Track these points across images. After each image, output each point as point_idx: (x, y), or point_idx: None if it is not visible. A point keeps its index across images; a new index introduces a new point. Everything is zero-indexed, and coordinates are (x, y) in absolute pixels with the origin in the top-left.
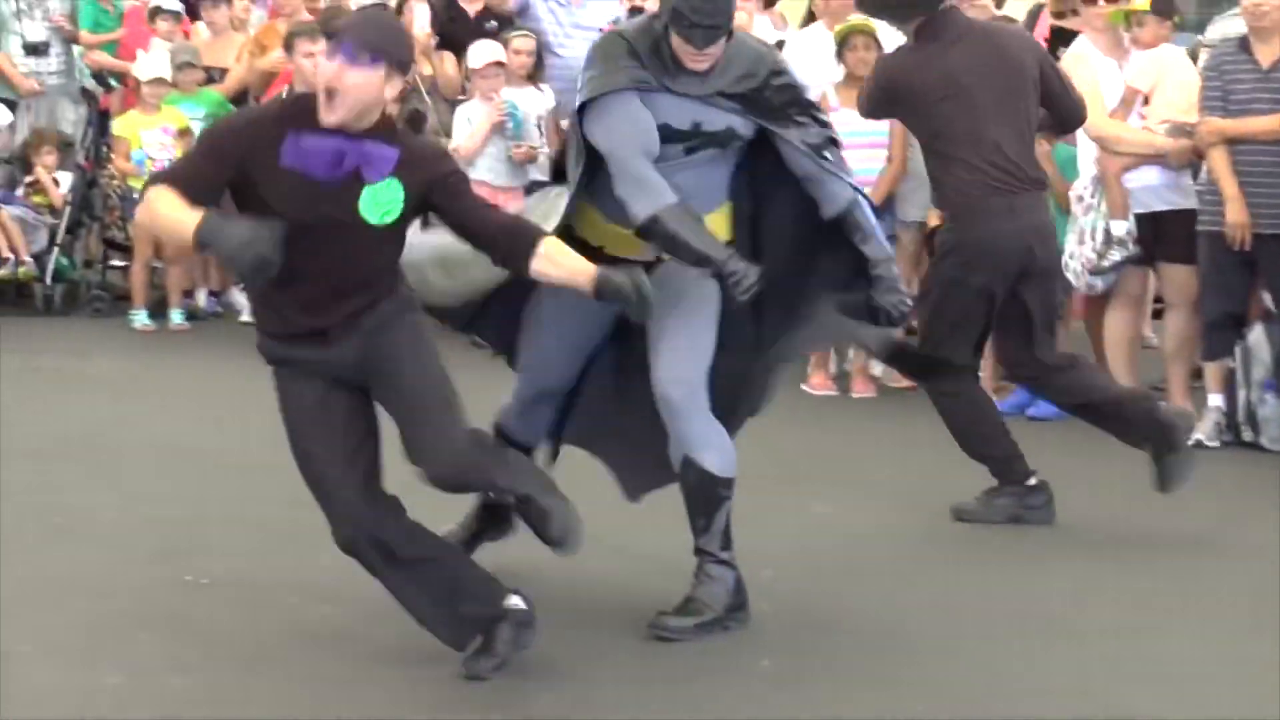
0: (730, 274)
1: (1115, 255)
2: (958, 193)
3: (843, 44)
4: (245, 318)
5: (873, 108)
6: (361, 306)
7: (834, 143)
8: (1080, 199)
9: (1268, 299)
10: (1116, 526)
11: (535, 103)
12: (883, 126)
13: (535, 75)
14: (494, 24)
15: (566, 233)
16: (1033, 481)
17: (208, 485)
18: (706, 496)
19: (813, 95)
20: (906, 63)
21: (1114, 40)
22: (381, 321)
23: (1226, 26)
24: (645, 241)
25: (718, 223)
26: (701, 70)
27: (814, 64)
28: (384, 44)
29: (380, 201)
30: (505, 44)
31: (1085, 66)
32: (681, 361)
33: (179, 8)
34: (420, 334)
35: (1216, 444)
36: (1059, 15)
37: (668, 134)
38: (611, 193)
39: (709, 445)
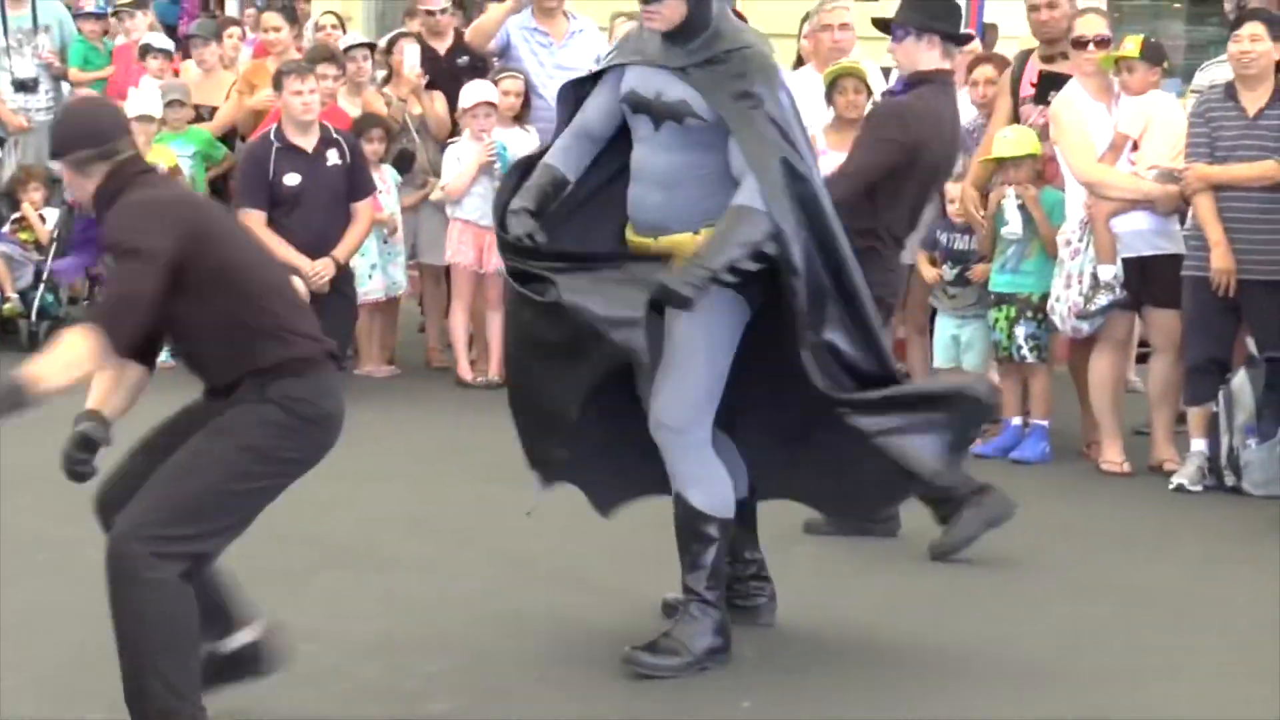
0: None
1: (1102, 299)
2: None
3: (832, 87)
4: None
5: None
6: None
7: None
8: (1068, 243)
9: (1251, 344)
10: (1100, 571)
11: (523, 143)
12: None
13: (522, 116)
14: (466, 59)
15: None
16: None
17: None
18: (692, 532)
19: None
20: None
21: (1104, 85)
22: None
23: (1214, 73)
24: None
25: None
26: (657, 29)
27: (803, 107)
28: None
29: None
30: (494, 84)
31: (1074, 110)
32: (669, 401)
33: (170, 46)
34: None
35: (1199, 489)
36: (1048, 59)
37: (635, 101)
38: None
39: (698, 482)
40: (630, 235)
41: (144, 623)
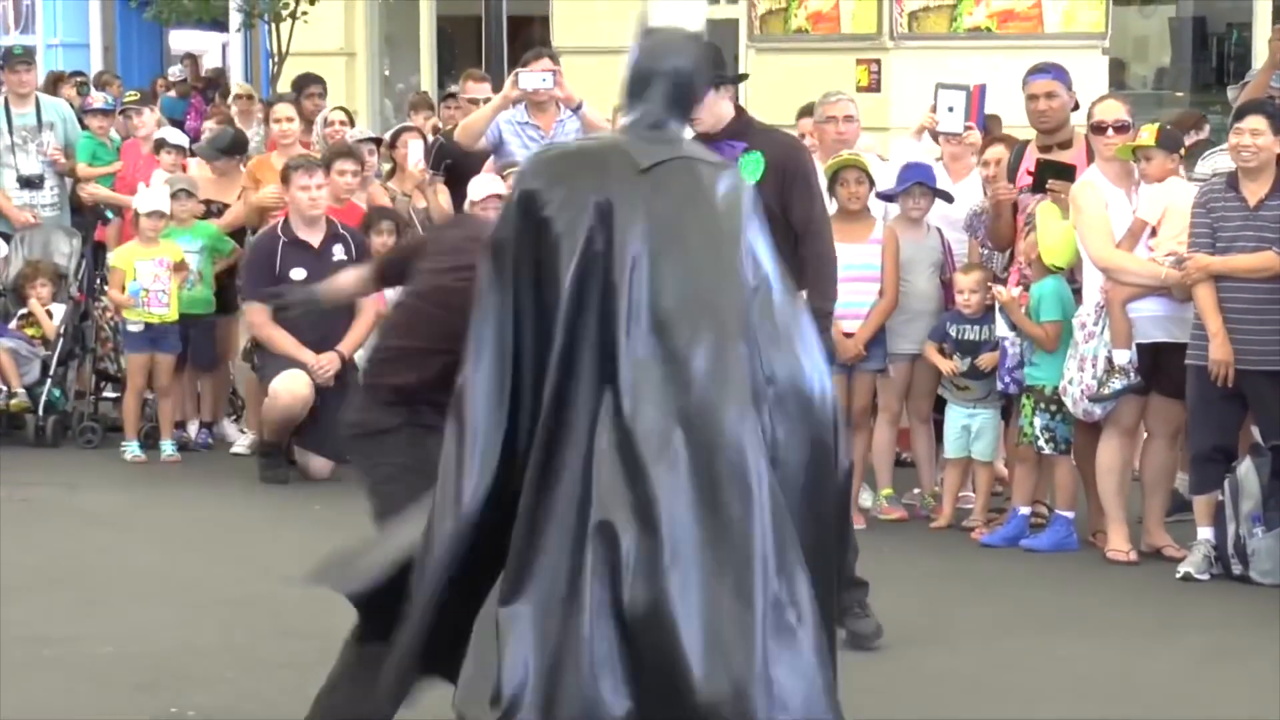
0: None
1: (1117, 384)
2: None
3: (834, 179)
4: (237, 449)
5: None
6: None
7: None
8: (1083, 325)
9: (1256, 432)
10: (1107, 661)
11: None
12: (875, 259)
13: None
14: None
15: None
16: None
17: (197, 617)
18: None
19: None
20: None
21: (1124, 171)
22: None
23: (1216, 161)
24: None
25: None
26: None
27: None
28: None
29: None
30: (503, 178)
31: (1094, 194)
32: None
33: (184, 141)
34: None
35: (1206, 577)
36: (1045, 149)
37: None
38: None
39: None
40: None
41: None
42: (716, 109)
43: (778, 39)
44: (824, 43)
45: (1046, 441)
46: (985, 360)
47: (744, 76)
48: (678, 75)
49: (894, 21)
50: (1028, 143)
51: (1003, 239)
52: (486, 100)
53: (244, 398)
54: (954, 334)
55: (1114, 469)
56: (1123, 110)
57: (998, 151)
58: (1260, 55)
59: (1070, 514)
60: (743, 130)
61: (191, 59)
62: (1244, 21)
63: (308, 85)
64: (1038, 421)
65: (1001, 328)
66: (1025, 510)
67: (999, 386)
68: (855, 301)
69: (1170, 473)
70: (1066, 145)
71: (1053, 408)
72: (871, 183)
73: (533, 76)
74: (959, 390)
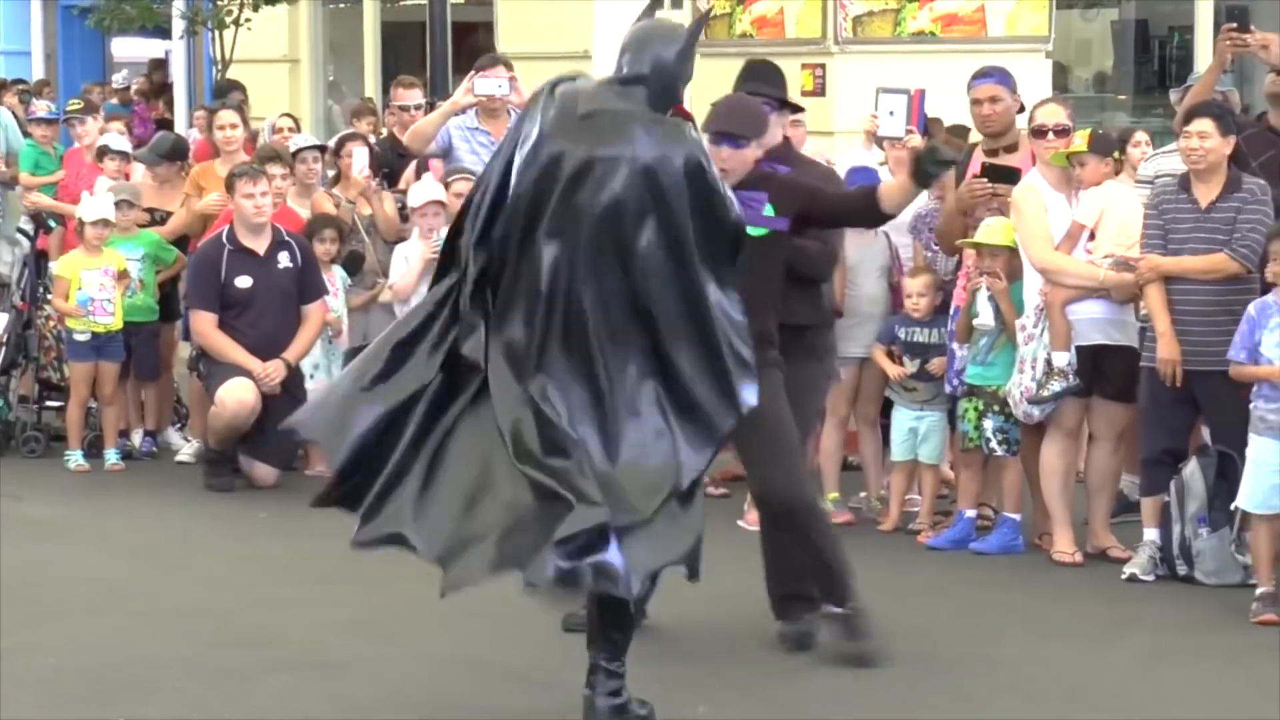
0: None
1: (1055, 386)
2: None
3: None
4: (181, 457)
5: None
6: None
7: None
8: (1023, 328)
9: (1205, 433)
10: (1055, 663)
11: None
12: None
13: None
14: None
15: None
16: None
17: (143, 626)
18: None
19: None
20: None
21: (1064, 174)
22: None
23: (1160, 163)
24: None
25: None
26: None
27: None
28: None
29: None
30: (446, 186)
31: (1034, 198)
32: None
33: (127, 147)
34: None
35: (1151, 578)
36: (991, 153)
37: None
38: None
39: None
40: None
41: None
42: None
43: (722, 44)
44: (768, 47)
45: (1000, 443)
46: (935, 365)
47: (800, 109)
48: (660, 61)
49: (838, 26)
50: (975, 146)
51: (952, 242)
52: (417, 107)
53: (188, 405)
54: (903, 336)
55: (1057, 471)
56: (1063, 113)
57: None
58: (1202, 58)
59: (1017, 516)
60: (758, 181)
61: (161, 65)
62: (1186, 25)
63: (230, 92)
64: (989, 423)
65: (985, 316)
66: (971, 513)
67: (947, 389)
68: None
69: (1115, 475)
70: (1013, 149)
71: (1006, 409)
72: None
73: (489, 82)
74: (906, 392)
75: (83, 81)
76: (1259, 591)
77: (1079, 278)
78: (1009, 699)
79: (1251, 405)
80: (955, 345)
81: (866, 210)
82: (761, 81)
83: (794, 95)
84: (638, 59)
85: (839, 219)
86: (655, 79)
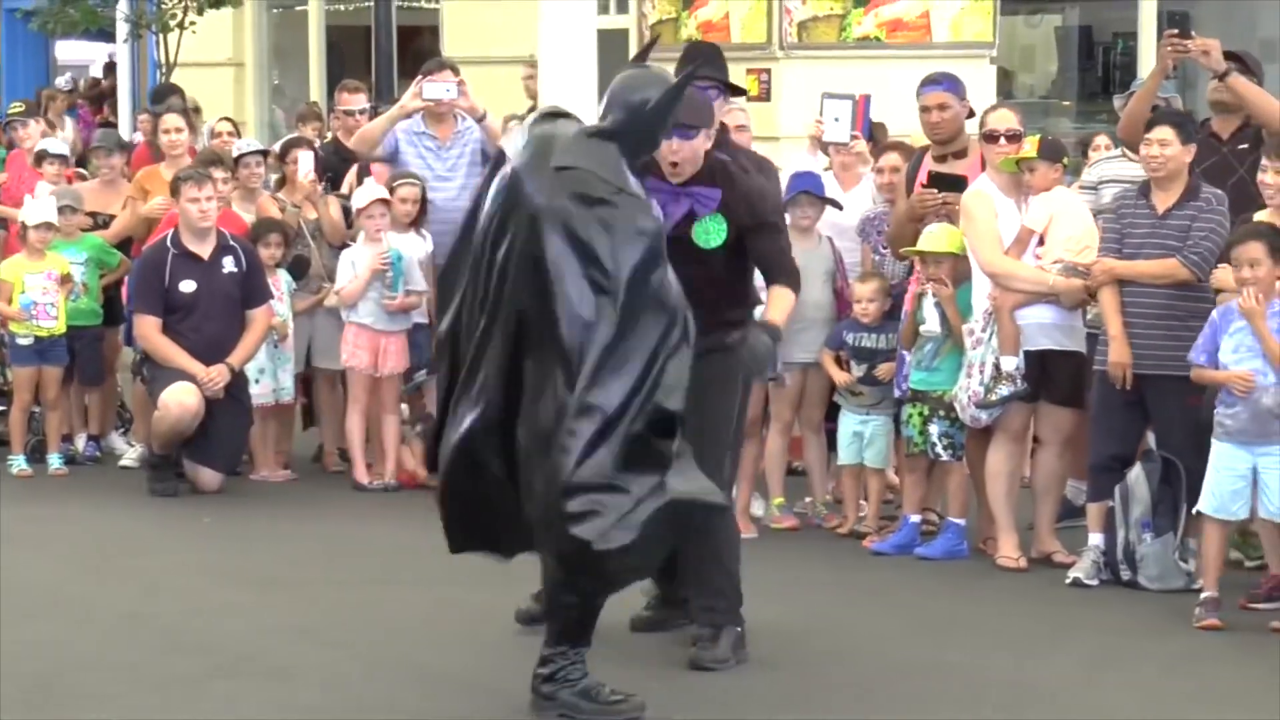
0: None
1: (1003, 390)
2: None
3: None
4: (125, 462)
5: None
6: None
7: None
8: (971, 333)
9: (1151, 438)
10: (999, 667)
11: (418, 249)
12: None
13: (419, 221)
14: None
15: None
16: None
17: (86, 633)
18: None
19: None
20: None
21: (1014, 180)
22: None
23: (1103, 169)
24: None
25: None
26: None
27: None
28: None
29: None
30: (392, 190)
31: (984, 204)
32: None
33: (65, 151)
34: None
35: (1095, 583)
36: (940, 159)
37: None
38: None
39: None
40: None
41: None
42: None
43: (669, 49)
44: None
45: (945, 448)
46: (883, 371)
47: (743, 91)
48: (636, 113)
49: (783, 31)
50: (925, 151)
51: (904, 247)
52: (361, 111)
53: (132, 410)
54: (851, 342)
55: (1002, 475)
56: (1014, 119)
57: (893, 159)
58: (1145, 64)
59: (962, 521)
60: (713, 175)
61: (113, 69)
62: (1129, 31)
63: (167, 96)
64: (934, 428)
65: (932, 322)
66: (916, 518)
67: (896, 393)
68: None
69: (1060, 480)
70: (962, 155)
71: (952, 414)
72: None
73: (437, 87)
74: (853, 396)
75: (25, 85)
76: (1203, 596)
77: (1029, 283)
78: (954, 704)
79: (1215, 410)
80: (904, 350)
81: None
82: (706, 63)
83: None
84: (615, 108)
85: (756, 262)
86: (630, 131)
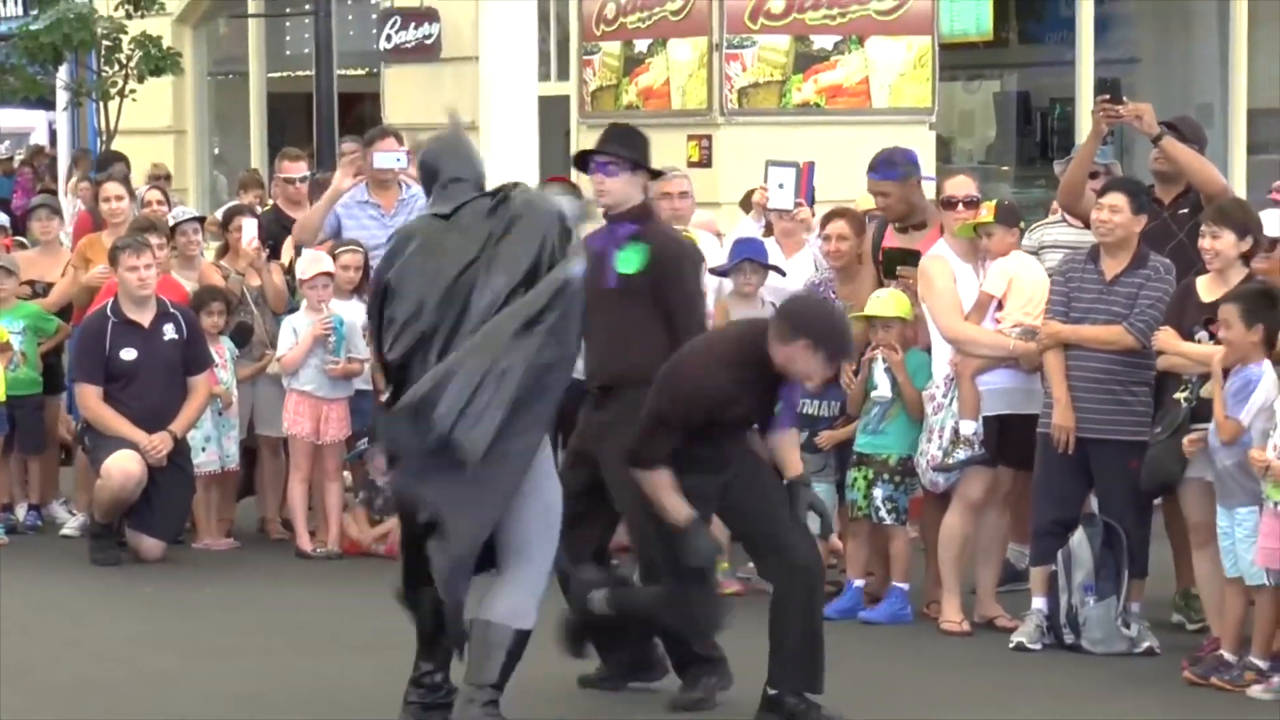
0: None
1: (961, 454)
2: None
3: None
4: (66, 531)
5: None
6: None
7: None
8: (932, 398)
9: (1094, 502)
10: None
11: (360, 315)
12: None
13: (360, 288)
14: None
15: None
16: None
17: (28, 704)
18: None
19: None
20: None
21: (971, 246)
22: None
23: (1042, 234)
24: None
25: None
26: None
27: None
28: None
29: None
30: (335, 258)
31: (943, 268)
32: None
33: (3, 220)
34: None
35: (1038, 646)
36: (901, 231)
37: None
38: None
39: None
40: None
41: None
42: (629, 189)
43: (609, 115)
44: (655, 118)
45: (889, 512)
46: (824, 438)
47: (660, 174)
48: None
49: (724, 97)
50: (887, 225)
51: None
52: (302, 179)
53: (74, 479)
54: None
55: (955, 540)
56: (972, 186)
57: (839, 226)
58: (1083, 129)
59: (905, 586)
60: (640, 218)
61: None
62: (1067, 96)
63: (112, 164)
64: (879, 492)
65: (883, 388)
66: (859, 582)
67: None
68: None
69: (1002, 541)
70: (921, 226)
71: (897, 478)
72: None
73: (387, 156)
74: None
75: None
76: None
77: (989, 347)
78: None
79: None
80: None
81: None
82: (618, 143)
83: (681, 166)
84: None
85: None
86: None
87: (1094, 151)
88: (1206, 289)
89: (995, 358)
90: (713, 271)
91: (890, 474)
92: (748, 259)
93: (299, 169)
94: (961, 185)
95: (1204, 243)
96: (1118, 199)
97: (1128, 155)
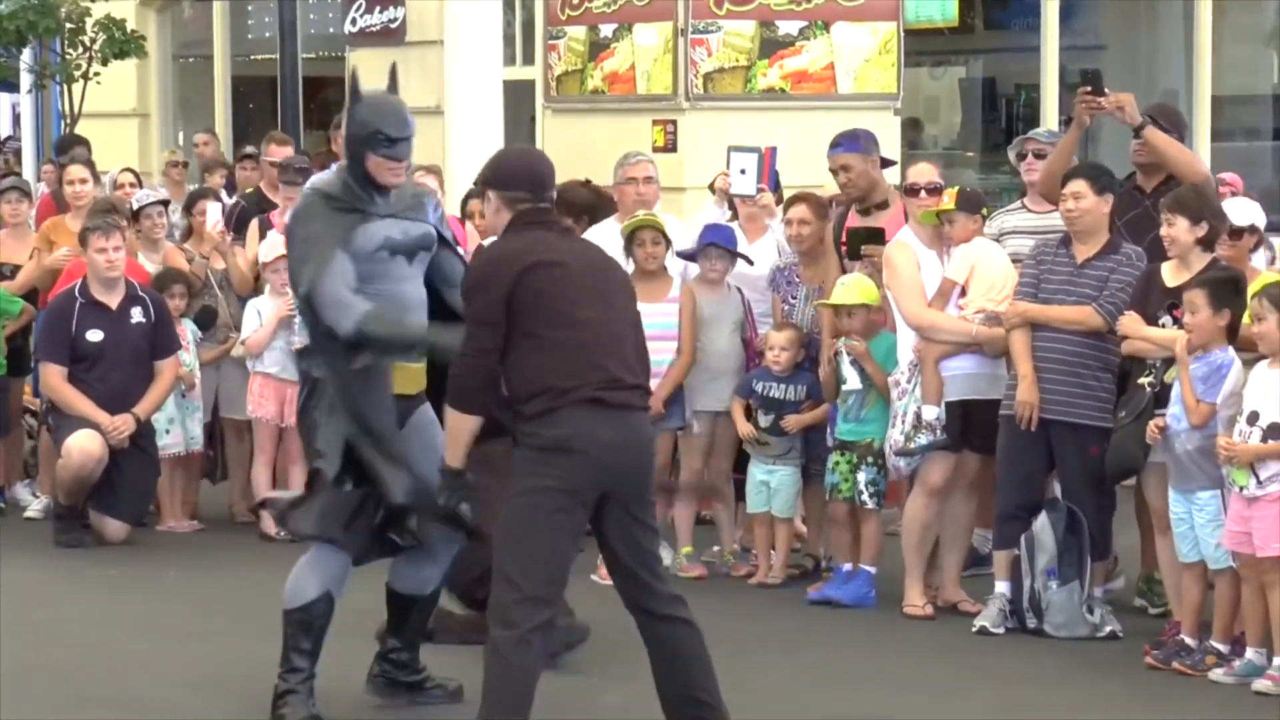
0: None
1: (922, 439)
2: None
3: (630, 239)
4: (30, 513)
5: None
6: None
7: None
8: (896, 383)
9: (1056, 486)
10: (906, 716)
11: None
12: (673, 319)
13: None
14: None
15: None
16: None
17: None
18: None
19: None
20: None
21: (935, 233)
22: None
23: (1003, 220)
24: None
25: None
26: (397, 183)
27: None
28: None
29: None
30: None
31: (907, 255)
32: None
33: None
34: None
35: (1001, 631)
36: (864, 213)
37: (394, 247)
38: (375, 298)
39: None
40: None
41: None
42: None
43: (574, 100)
44: (620, 103)
45: (871, 496)
46: (790, 422)
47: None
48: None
49: (689, 83)
50: (850, 206)
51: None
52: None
53: (38, 460)
54: (760, 390)
55: (915, 525)
56: (934, 173)
57: (800, 211)
58: (1048, 115)
59: (873, 569)
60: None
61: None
62: (1032, 83)
63: (73, 147)
64: (863, 475)
65: (852, 381)
66: (849, 566)
67: (830, 442)
68: (654, 360)
69: (967, 527)
70: (884, 206)
71: (880, 460)
72: (668, 242)
73: None
74: (760, 446)
75: None
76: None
77: (952, 333)
78: None
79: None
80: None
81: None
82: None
83: (646, 151)
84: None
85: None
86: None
87: (1075, 143)
88: (1170, 275)
89: (958, 343)
90: (680, 255)
91: (875, 457)
92: (713, 244)
93: (286, 153)
94: (924, 173)
95: (1162, 230)
96: (1078, 185)
97: (1093, 143)
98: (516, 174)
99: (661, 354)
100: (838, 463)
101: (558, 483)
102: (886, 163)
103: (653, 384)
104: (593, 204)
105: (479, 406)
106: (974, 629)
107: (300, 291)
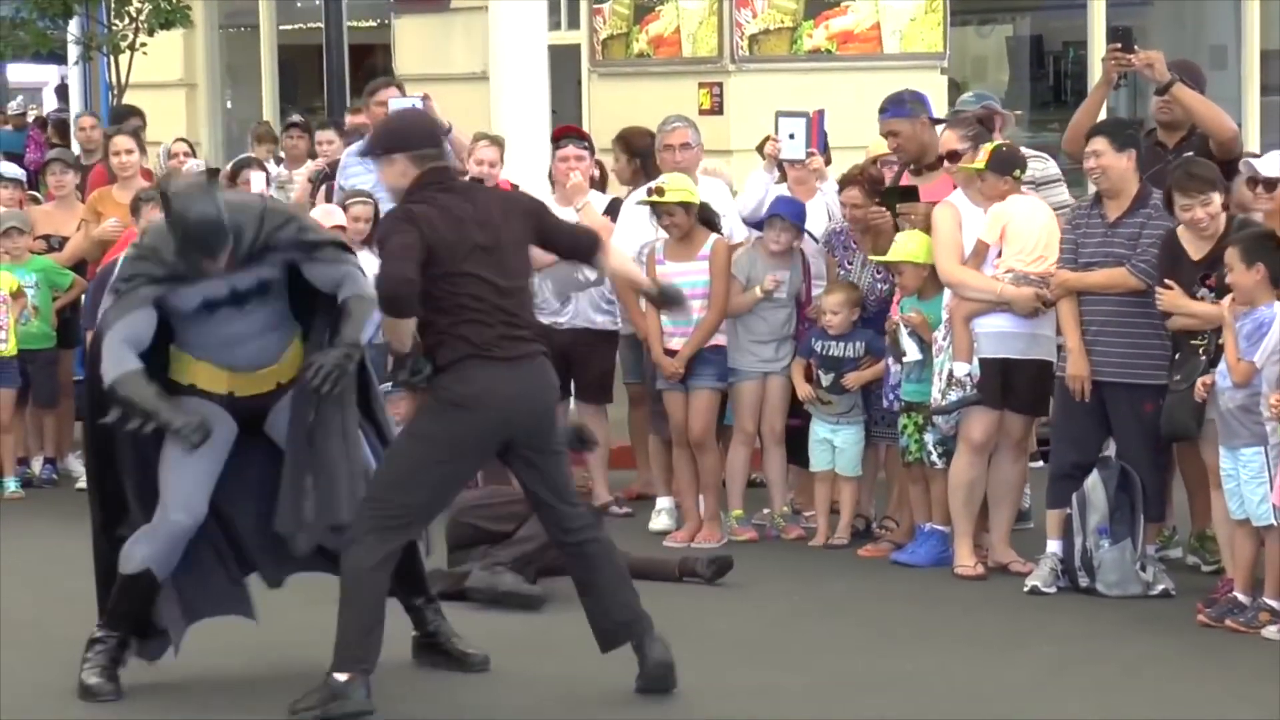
0: (174, 429)
1: (953, 395)
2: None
3: (654, 207)
4: (81, 484)
5: None
6: None
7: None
8: (935, 341)
9: (1111, 444)
10: (958, 676)
11: (372, 265)
12: (703, 275)
13: (371, 239)
14: None
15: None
16: None
17: (42, 657)
18: None
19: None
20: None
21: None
22: None
23: (1033, 167)
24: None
25: (295, 350)
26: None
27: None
28: None
29: None
30: (345, 209)
31: (949, 214)
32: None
33: (20, 175)
34: None
35: (1053, 590)
36: (915, 174)
37: (213, 304)
38: (196, 337)
39: None
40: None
41: None
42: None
43: (619, 64)
44: (666, 67)
45: (940, 455)
46: (851, 379)
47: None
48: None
49: (735, 45)
50: (905, 168)
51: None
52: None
53: None
54: (819, 350)
55: (960, 484)
56: (955, 139)
57: (854, 195)
58: (1096, 73)
59: (946, 529)
60: None
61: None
62: (1080, 40)
63: (127, 118)
64: (929, 436)
65: (911, 352)
66: (928, 526)
67: (884, 403)
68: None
69: (1016, 488)
70: (935, 167)
71: None
72: (690, 209)
73: (403, 102)
74: (822, 405)
75: None
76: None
77: (979, 291)
78: (913, 712)
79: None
80: (890, 361)
81: None
82: None
83: (692, 114)
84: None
85: None
86: None
87: (1103, 99)
88: (1194, 247)
89: (985, 301)
90: (745, 222)
91: None
92: (779, 215)
93: (391, 94)
94: (948, 141)
95: (1187, 215)
96: (1099, 143)
97: (1142, 99)
98: (419, 133)
99: (698, 313)
100: (906, 424)
101: (450, 435)
102: (938, 122)
103: (680, 342)
104: (649, 150)
105: (408, 310)
106: (1026, 589)
107: (96, 324)
